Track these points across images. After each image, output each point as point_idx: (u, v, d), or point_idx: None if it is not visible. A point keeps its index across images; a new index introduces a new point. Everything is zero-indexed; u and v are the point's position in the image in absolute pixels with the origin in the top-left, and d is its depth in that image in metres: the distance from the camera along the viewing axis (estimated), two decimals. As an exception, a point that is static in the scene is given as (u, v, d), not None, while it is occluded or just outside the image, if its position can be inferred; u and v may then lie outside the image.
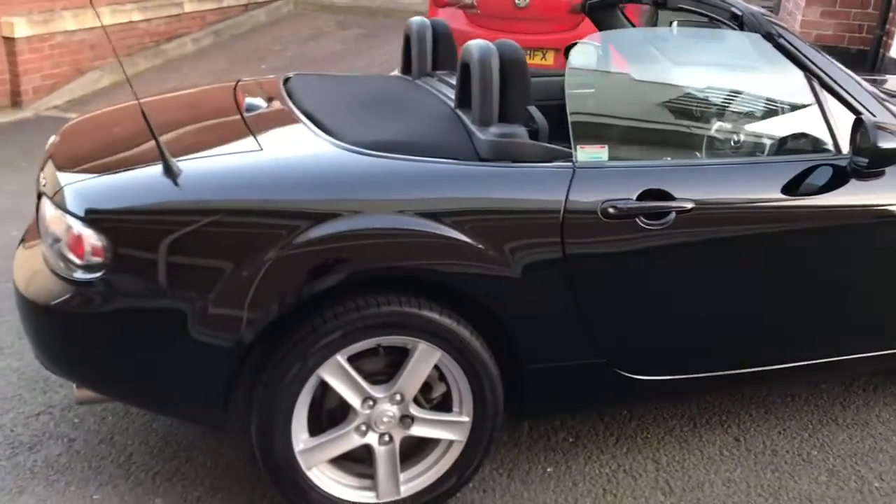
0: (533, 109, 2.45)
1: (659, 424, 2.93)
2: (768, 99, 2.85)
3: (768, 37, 2.57)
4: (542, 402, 2.50)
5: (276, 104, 2.71)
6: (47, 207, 2.28)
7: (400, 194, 2.23)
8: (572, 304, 2.36)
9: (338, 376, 2.24)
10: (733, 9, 2.66)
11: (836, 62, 2.62)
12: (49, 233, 2.26)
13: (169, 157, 2.18)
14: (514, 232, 2.28)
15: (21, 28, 7.07)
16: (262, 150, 2.32)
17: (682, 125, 2.84)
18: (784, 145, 2.68)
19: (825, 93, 2.57)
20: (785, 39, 2.55)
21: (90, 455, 2.69)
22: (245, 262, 2.12)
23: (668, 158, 2.51)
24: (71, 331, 2.23)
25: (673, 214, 2.35)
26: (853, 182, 2.51)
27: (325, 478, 2.35)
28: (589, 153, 2.36)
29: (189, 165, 2.22)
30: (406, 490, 2.40)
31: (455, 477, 2.42)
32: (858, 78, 2.64)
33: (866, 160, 2.43)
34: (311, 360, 2.19)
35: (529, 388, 2.43)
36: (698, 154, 2.79)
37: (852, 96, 2.57)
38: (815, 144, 2.61)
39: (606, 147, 2.38)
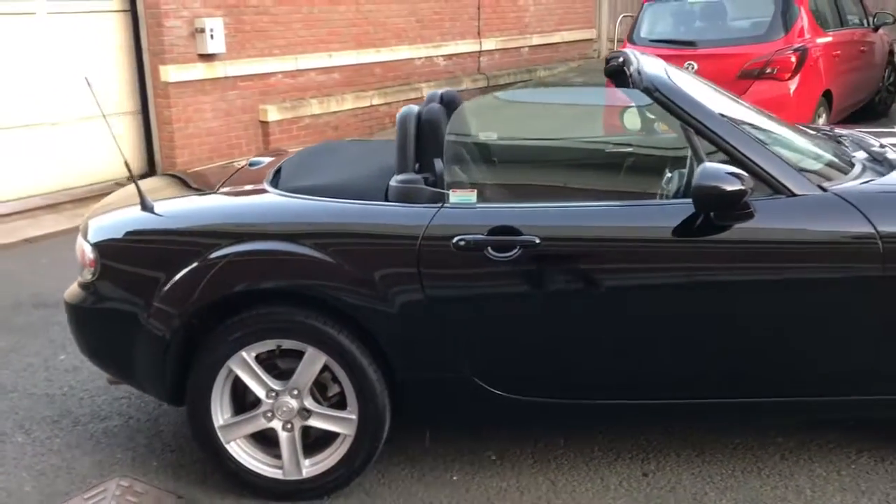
0: (437, 161, 2.91)
1: (582, 454, 3.10)
2: (650, 148, 2.99)
3: (647, 92, 2.77)
4: (416, 409, 2.87)
5: (271, 162, 3.42)
6: (78, 238, 3.17)
7: (293, 224, 2.80)
8: (432, 322, 2.73)
9: (244, 369, 2.83)
10: (626, 67, 2.90)
11: (728, 113, 2.73)
12: (78, 255, 3.15)
13: (146, 196, 2.98)
14: (381, 259, 2.74)
15: (273, 113, 8.64)
16: (214, 193, 3.05)
17: (559, 173, 3.07)
18: (658, 190, 2.82)
19: (702, 141, 2.70)
20: (661, 94, 2.74)
21: (134, 429, 3.53)
22: (178, 269, 2.81)
23: (537, 202, 2.81)
24: (82, 321, 3.09)
25: (519, 248, 2.65)
26: (711, 226, 2.61)
27: (243, 453, 2.93)
28: (459, 196, 2.76)
29: (160, 203, 3.00)
30: (307, 472, 2.90)
31: (344, 467, 2.87)
32: (753, 128, 2.73)
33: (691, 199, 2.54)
34: (220, 352, 2.81)
35: (404, 395, 2.83)
36: (571, 199, 2.98)
37: (731, 146, 2.66)
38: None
39: (475, 191, 2.76)
